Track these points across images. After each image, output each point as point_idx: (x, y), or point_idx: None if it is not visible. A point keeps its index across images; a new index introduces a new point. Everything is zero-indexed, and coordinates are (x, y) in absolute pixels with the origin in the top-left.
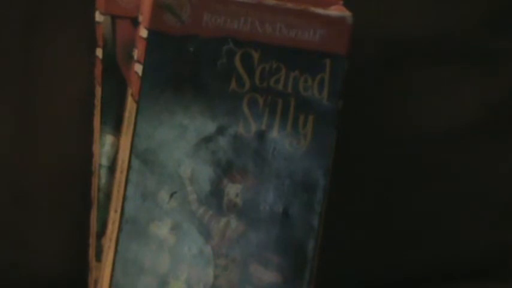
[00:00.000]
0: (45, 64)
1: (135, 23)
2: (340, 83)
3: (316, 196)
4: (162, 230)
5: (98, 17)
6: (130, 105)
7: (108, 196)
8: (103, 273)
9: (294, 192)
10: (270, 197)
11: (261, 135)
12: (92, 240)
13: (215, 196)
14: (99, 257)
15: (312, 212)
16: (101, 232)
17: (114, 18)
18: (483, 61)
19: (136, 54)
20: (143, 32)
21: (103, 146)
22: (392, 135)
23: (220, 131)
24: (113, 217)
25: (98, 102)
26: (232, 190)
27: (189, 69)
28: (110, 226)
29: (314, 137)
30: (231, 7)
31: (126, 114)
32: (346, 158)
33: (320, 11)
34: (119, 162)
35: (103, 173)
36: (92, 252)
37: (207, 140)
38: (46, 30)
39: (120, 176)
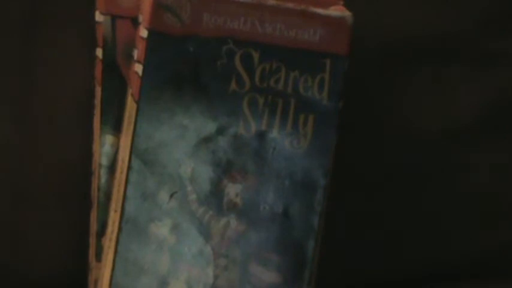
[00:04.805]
0: (45, 64)
1: (135, 23)
2: (340, 83)
3: (316, 196)
4: (162, 230)
5: (98, 17)
6: (130, 105)
7: (108, 196)
8: (103, 273)
9: (294, 192)
10: (270, 197)
11: (261, 135)
12: (92, 240)
13: (215, 196)
14: (99, 257)
15: (312, 212)
16: (101, 232)
17: (114, 18)
18: (483, 61)
19: (136, 54)
20: (143, 32)
21: (103, 146)
22: (393, 135)
23: (221, 131)
24: (113, 217)
25: (98, 102)
26: (232, 190)
27: (189, 69)
28: (109, 226)
29: (314, 137)
30: (231, 7)
31: (126, 114)
32: (346, 158)
33: (320, 11)
34: (119, 162)
35: (103, 173)
36: (92, 252)
37: (207, 140)
38: (46, 30)
39: (120, 176)
